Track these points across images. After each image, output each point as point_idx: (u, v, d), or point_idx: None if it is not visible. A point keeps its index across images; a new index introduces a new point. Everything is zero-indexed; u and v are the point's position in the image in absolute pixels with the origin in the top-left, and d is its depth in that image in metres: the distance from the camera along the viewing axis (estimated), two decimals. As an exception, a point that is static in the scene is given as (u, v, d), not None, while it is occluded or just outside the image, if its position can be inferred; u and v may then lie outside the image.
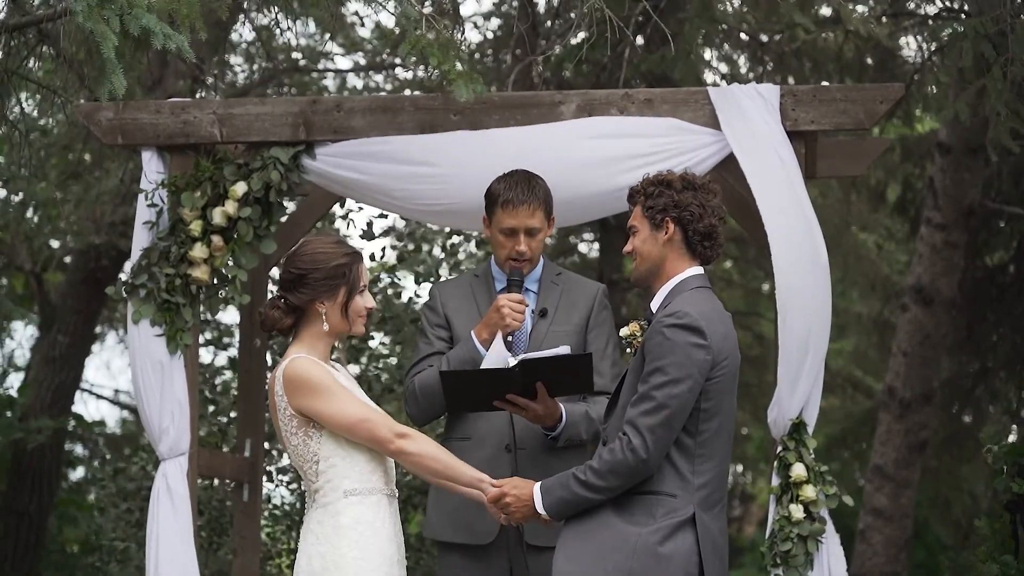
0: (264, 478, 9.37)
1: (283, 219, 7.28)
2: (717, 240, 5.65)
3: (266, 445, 9.71)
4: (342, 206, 9.78)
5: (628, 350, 6.00)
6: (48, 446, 13.54)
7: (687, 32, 8.79)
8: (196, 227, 6.91)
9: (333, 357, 5.83)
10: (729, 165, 6.72)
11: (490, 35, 13.70)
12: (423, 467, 5.61)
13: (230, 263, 6.96)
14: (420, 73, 12.96)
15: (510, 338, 6.34)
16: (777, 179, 6.58)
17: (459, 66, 6.29)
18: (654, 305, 5.62)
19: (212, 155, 7.03)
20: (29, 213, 13.05)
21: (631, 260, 5.74)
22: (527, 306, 6.30)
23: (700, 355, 5.39)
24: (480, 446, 6.38)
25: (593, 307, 6.52)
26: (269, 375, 5.94)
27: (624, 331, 6.04)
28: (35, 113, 12.58)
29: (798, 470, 6.51)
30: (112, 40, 5.76)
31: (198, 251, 6.90)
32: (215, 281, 6.99)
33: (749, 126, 6.64)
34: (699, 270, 5.64)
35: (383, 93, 13.85)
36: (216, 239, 6.92)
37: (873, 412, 14.03)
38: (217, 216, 6.91)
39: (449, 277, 10.56)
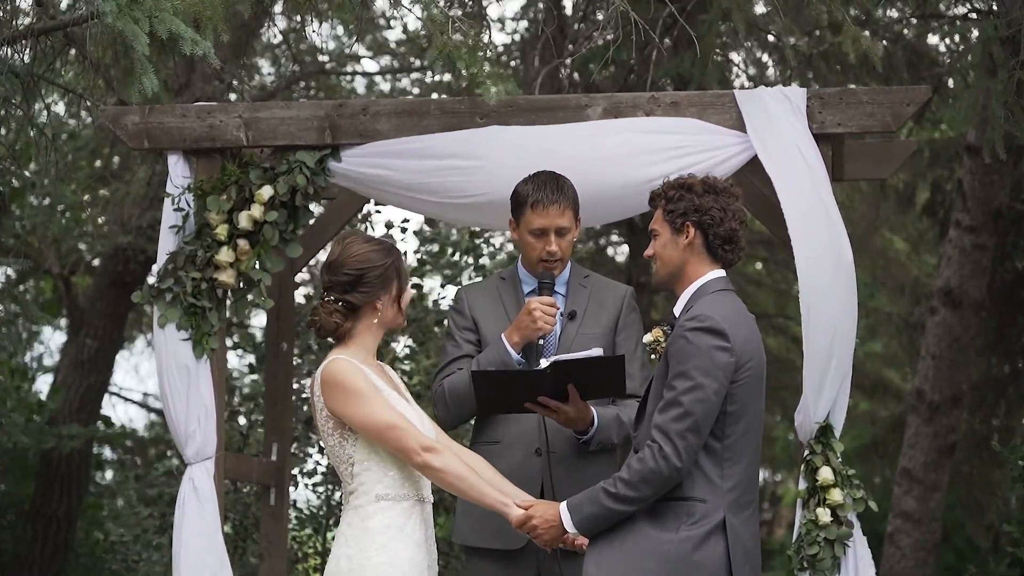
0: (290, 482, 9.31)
1: (310, 223, 7.27)
2: (738, 244, 5.64)
3: (293, 448, 9.70)
4: (366, 217, 9.72)
5: (652, 356, 6.00)
6: (77, 450, 13.55)
7: (707, 33, 8.76)
8: (222, 231, 6.91)
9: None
10: (755, 167, 6.70)
11: (517, 38, 13.71)
12: (446, 484, 5.61)
13: (256, 267, 6.95)
14: (446, 77, 12.95)
15: (540, 341, 6.33)
16: (802, 182, 6.55)
17: (487, 67, 6.27)
18: (677, 310, 5.61)
19: (238, 159, 7.04)
20: (57, 216, 13.05)
21: (655, 269, 5.74)
22: (558, 309, 6.28)
23: (723, 358, 5.37)
24: (510, 450, 6.37)
25: (622, 309, 6.50)
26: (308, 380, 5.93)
27: (647, 337, 6.04)
28: (64, 116, 12.73)
29: (825, 474, 6.49)
30: (143, 39, 5.77)
31: (224, 255, 6.90)
32: (241, 285, 6.99)
33: (775, 128, 6.62)
34: (721, 273, 5.64)
35: (409, 97, 13.84)
36: (242, 243, 6.92)
37: (902, 415, 13.98)
38: (243, 220, 6.91)
39: (475, 280, 10.54)
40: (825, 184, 6.57)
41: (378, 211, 10.37)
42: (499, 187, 6.66)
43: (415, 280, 10.78)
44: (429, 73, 14.09)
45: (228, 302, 7.03)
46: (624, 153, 6.68)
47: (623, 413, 6.32)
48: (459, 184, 6.84)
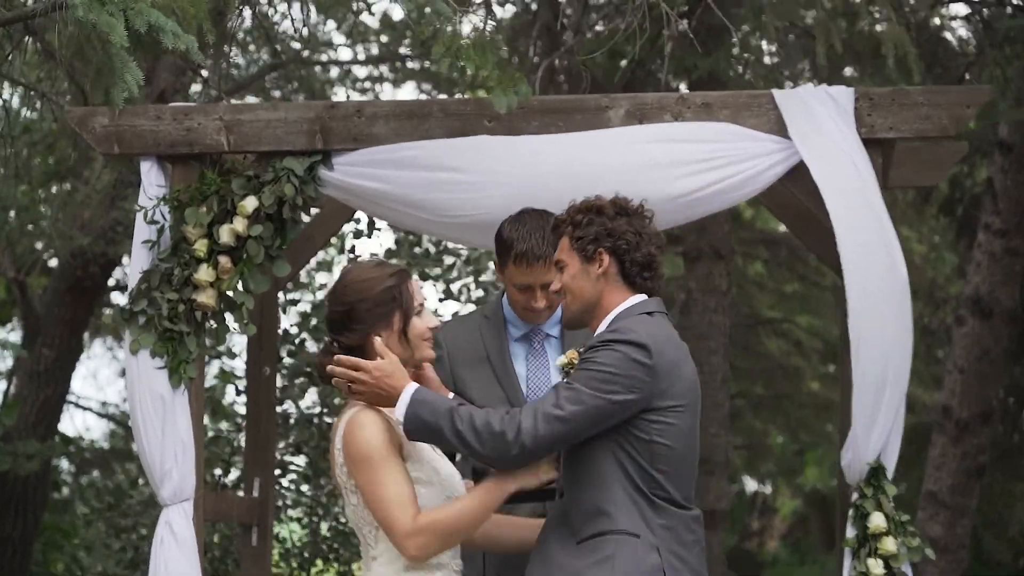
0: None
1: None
2: (657, 271, 5.38)
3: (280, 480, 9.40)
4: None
5: (566, 381, 5.60)
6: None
7: (736, 23, 8.41)
8: (201, 247, 6.61)
9: None
10: (796, 176, 6.44)
11: (503, 24, 13.26)
12: (451, 543, 5.33)
13: (239, 287, 6.66)
14: (442, 70, 12.56)
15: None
16: (852, 191, 6.27)
17: (495, 71, 5.93)
18: (598, 333, 5.31)
19: (219, 166, 6.76)
20: (10, 217, 12.78)
21: (564, 304, 5.45)
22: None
23: (641, 374, 5.06)
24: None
25: None
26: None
27: (560, 360, 5.69)
28: (20, 110, 12.32)
29: (877, 521, 6.17)
30: (121, 31, 5.41)
31: (203, 274, 6.60)
32: (222, 307, 6.70)
33: (820, 133, 6.34)
34: (644, 297, 5.35)
35: (405, 94, 13.46)
36: (223, 260, 6.62)
37: (922, 428, 13.65)
38: (224, 235, 6.61)
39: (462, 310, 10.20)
40: (877, 194, 6.30)
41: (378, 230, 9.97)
42: (509, 205, 6.34)
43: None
44: (412, 62, 13.69)
45: (208, 326, 6.73)
46: (650, 165, 6.40)
47: None
48: (461, 201, 6.53)
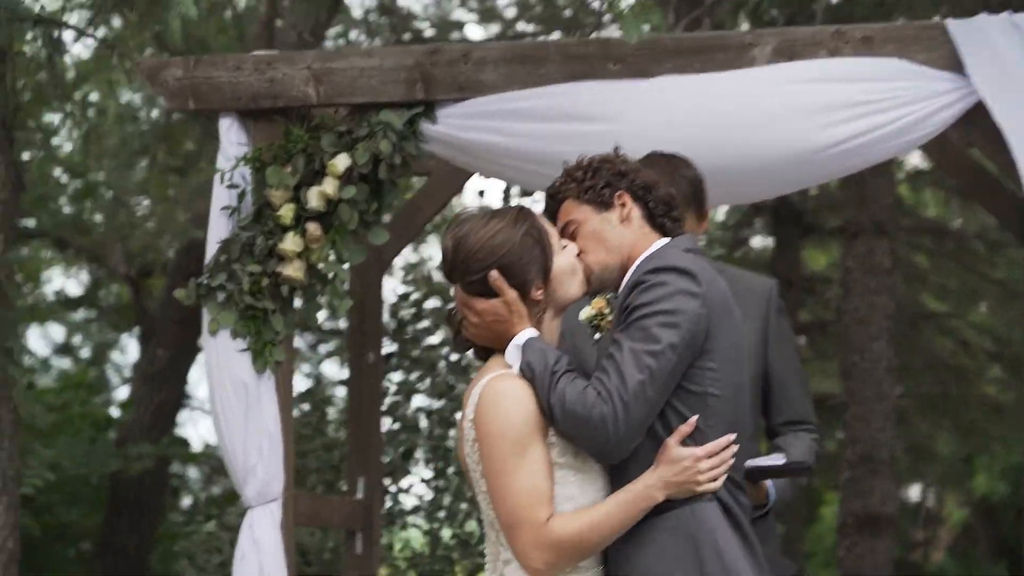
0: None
1: (397, 202, 6.94)
2: (679, 216, 4.80)
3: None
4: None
5: (596, 335, 5.19)
6: (149, 473, 13.24)
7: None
8: (287, 213, 6.29)
9: None
10: (972, 119, 6.00)
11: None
12: (583, 553, 4.58)
13: (330, 258, 6.36)
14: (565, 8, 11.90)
15: None
16: None
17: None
18: (627, 277, 4.68)
19: (306, 121, 6.46)
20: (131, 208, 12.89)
21: (585, 267, 4.75)
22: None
23: (694, 305, 4.44)
24: None
25: (768, 313, 5.63)
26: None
27: (585, 312, 5.20)
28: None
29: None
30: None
31: (290, 243, 6.29)
32: (312, 281, 6.39)
33: (1003, 68, 5.88)
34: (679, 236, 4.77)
35: (523, 36, 12.77)
36: (312, 227, 6.30)
37: None
38: (313, 198, 6.28)
39: None
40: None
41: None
42: (639, 156, 5.81)
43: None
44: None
45: (296, 302, 6.45)
46: (800, 109, 6.01)
47: (792, 453, 5.48)
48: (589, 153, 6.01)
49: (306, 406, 10.25)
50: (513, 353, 4.55)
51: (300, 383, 13.64)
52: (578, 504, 4.54)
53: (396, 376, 10.20)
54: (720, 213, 14.98)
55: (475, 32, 14.45)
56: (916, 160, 14.07)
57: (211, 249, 6.41)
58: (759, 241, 15.52)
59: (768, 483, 5.46)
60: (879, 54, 6.06)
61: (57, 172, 13.97)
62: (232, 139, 6.43)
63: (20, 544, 6.82)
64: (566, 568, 4.51)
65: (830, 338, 15.14)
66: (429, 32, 13.36)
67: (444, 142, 6.35)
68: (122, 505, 13.36)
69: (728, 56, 6.14)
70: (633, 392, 4.39)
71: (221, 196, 6.41)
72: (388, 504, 9.66)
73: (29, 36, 6.97)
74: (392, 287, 11.53)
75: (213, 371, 6.36)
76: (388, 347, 9.97)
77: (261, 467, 6.27)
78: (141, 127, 12.55)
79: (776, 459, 5.26)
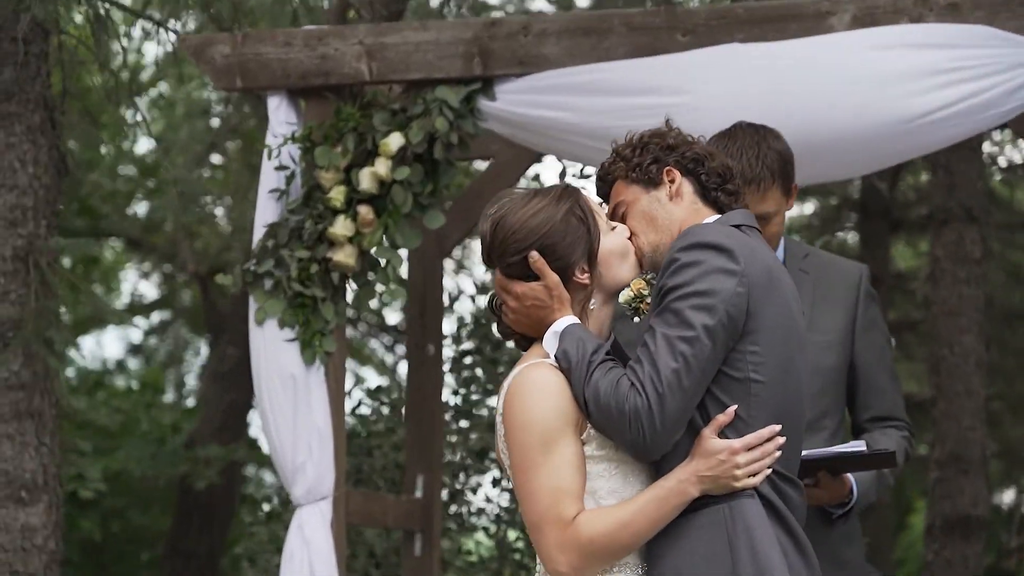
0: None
1: (458, 185, 6.86)
2: (737, 190, 4.53)
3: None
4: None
5: (636, 319, 4.95)
6: (218, 475, 12.97)
7: None
8: (337, 195, 6.18)
9: None
10: None
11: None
12: (613, 554, 4.33)
13: (383, 243, 6.26)
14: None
15: None
16: None
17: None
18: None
19: (359, 99, 6.36)
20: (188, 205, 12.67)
21: (636, 250, 4.51)
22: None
23: (731, 284, 4.17)
24: None
25: (858, 299, 5.42)
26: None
27: (624, 295, 4.87)
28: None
29: None
30: None
31: (340, 227, 6.18)
32: (363, 267, 6.29)
33: None
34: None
35: (583, 8, 12.50)
36: (364, 211, 6.18)
37: None
38: (365, 180, 6.17)
39: None
40: None
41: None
42: (712, 131, 5.54)
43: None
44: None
45: (348, 290, 6.36)
46: (881, 77, 5.81)
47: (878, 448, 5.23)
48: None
49: (373, 402, 10.04)
50: (551, 341, 4.32)
51: (373, 379, 13.52)
52: (622, 498, 4.30)
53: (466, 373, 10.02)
54: (807, 207, 14.73)
55: (536, 3, 14.25)
56: (1009, 152, 13.75)
57: (258, 233, 6.37)
58: (848, 237, 15.23)
59: (851, 479, 5.24)
60: (966, 21, 5.91)
61: (130, 170, 14.00)
62: (281, 118, 6.36)
63: (64, 546, 6.61)
64: (596, 572, 4.29)
65: (920, 337, 14.85)
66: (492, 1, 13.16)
67: (503, 119, 6.23)
68: (192, 509, 13.25)
69: (804, 25, 6.00)
70: (667, 382, 4.16)
71: (269, 178, 6.30)
72: (454, 506, 9.47)
73: (78, 18, 6.87)
74: (479, 278, 11.34)
75: (260, 363, 6.32)
76: (466, 344, 9.79)
77: (311, 464, 6.18)
78: (211, 122, 12.50)
79: (857, 446, 5.05)
